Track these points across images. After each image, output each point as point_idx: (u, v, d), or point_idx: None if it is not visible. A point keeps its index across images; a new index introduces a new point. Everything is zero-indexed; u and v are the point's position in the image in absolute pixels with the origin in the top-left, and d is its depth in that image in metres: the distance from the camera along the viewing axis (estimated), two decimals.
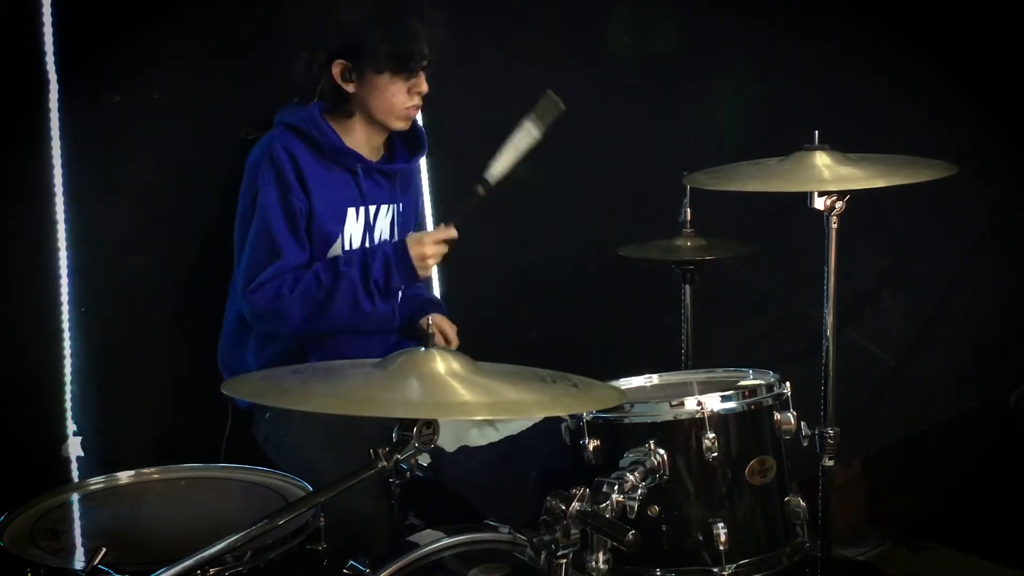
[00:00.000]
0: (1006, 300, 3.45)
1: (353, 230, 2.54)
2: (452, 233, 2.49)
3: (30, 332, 2.48)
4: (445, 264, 2.69)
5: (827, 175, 2.26)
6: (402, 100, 2.50)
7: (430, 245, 2.48)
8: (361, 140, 2.55)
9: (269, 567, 1.72)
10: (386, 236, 2.62)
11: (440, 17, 2.51)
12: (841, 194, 2.29)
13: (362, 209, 2.55)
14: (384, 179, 2.60)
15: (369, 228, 2.57)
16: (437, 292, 3.18)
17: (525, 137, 2.51)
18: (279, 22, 2.72)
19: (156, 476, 2.09)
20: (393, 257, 2.46)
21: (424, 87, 2.51)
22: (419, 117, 2.68)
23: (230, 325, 2.60)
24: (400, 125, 2.56)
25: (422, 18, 2.47)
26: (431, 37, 2.48)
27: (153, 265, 2.66)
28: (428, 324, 1.71)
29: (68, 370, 2.49)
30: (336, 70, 2.46)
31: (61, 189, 2.45)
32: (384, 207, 2.61)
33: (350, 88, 2.48)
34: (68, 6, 2.40)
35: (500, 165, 2.49)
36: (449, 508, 2.44)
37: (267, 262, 2.41)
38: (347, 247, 2.52)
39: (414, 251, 2.46)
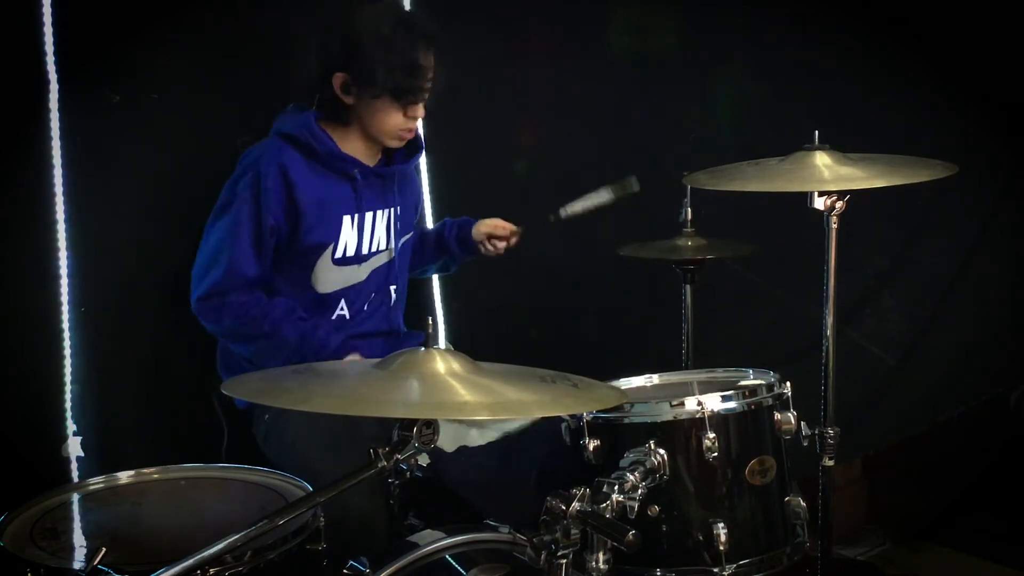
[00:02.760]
0: (1006, 300, 3.44)
1: (348, 237, 2.53)
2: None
3: (30, 332, 2.48)
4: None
5: (827, 175, 2.26)
6: (397, 123, 2.50)
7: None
8: (358, 148, 2.55)
9: (269, 567, 1.72)
10: (383, 241, 2.61)
11: (449, 49, 2.50)
12: (841, 194, 2.29)
13: (356, 216, 2.54)
14: (380, 182, 2.60)
15: (362, 235, 2.56)
16: (436, 292, 3.19)
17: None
18: (280, 22, 2.72)
19: (156, 476, 2.09)
20: (326, 353, 2.43)
21: (420, 113, 2.52)
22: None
23: None
24: (394, 144, 2.57)
25: (430, 49, 2.46)
26: (436, 69, 2.47)
27: (153, 265, 2.66)
28: (429, 324, 1.71)
29: (68, 370, 2.49)
30: (337, 82, 2.46)
31: (61, 189, 2.45)
32: (380, 212, 2.60)
33: (349, 100, 2.48)
34: (68, 6, 2.40)
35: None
36: (449, 508, 2.44)
37: (219, 268, 2.41)
38: (341, 255, 2.52)
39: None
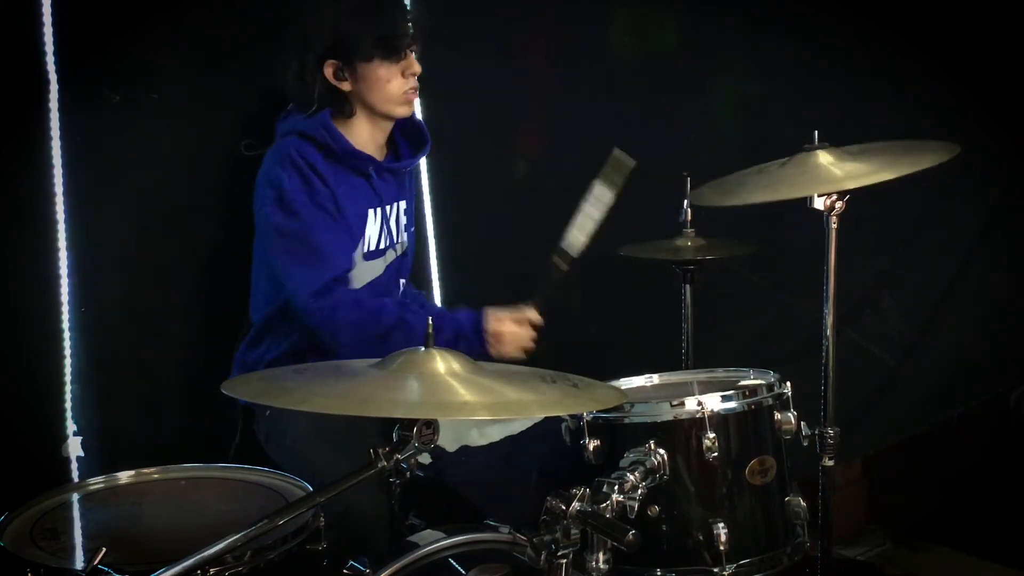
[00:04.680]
0: (1006, 300, 3.44)
1: (371, 231, 2.55)
2: (535, 316, 2.39)
3: (30, 332, 2.48)
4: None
5: (829, 176, 2.25)
6: (398, 84, 2.50)
7: (509, 324, 2.38)
8: (367, 139, 2.56)
9: (269, 567, 1.72)
10: (395, 234, 2.63)
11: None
12: (841, 194, 2.29)
13: (379, 210, 2.57)
14: (392, 177, 2.62)
15: (387, 228, 2.58)
16: (437, 293, 3.18)
17: (598, 204, 2.43)
18: (279, 22, 2.72)
19: (156, 476, 2.09)
20: (468, 328, 2.39)
21: (417, 67, 2.52)
22: (418, 112, 2.66)
23: (252, 329, 2.60)
24: (402, 111, 2.57)
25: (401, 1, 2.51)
26: (414, 17, 2.50)
27: (153, 265, 2.66)
28: (429, 323, 1.71)
29: (68, 370, 2.49)
30: (328, 71, 2.47)
31: (61, 189, 2.45)
32: (394, 206, 2.63)
33: (345, 87, 2.49)
34: (68, 6, 2.40)
35: (579, 237, 2.42)
36: (449, 508, 2.45)
37: (313, 268, 2.39)
38: (367, 249, 2.53)
39: (491, 326, 2.37)
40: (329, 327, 2.39)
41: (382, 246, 2.58)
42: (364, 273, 2.53)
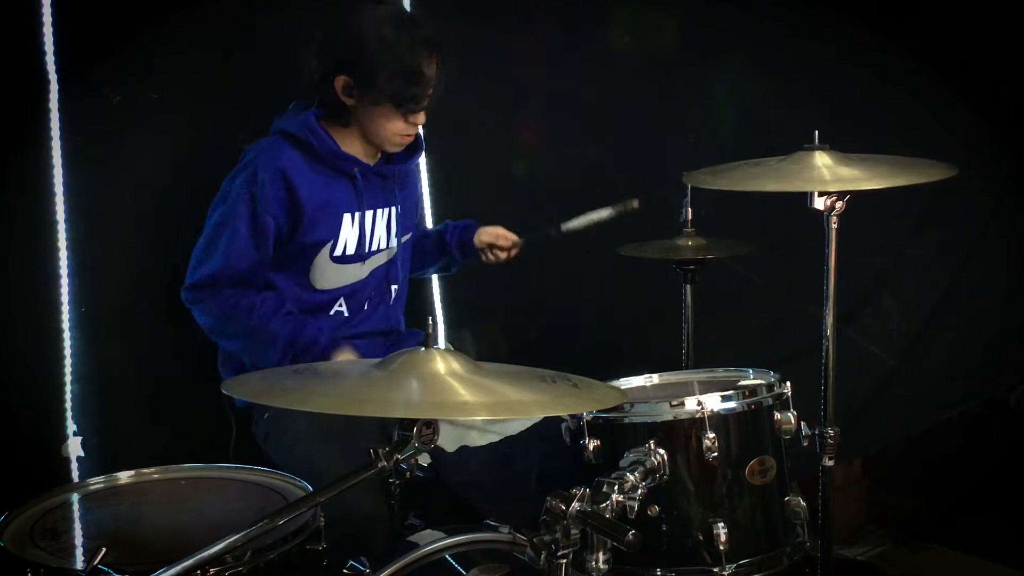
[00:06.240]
0: (1006, 300, 3.45)
1: (348, 235, 2.54)
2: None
3: (30, 332, 2.48)
4: None
5: (827, 175, 2.26)
6: (398, 128, 2.50)
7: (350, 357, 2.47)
8: (357, 147, 2.56)
9: (269, 567, 1.72)
10: (383, 240, 2.61)
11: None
12: (841, 194, 2.29)
13: (357, 215, 2.55)
14: (380, 181, 2.60)
15: (363, 234, 2.56)
16: (436, 294, 3.18)
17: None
18: (280, 22, 2.72)
19: (156, 476, 2.09)
20: (320, 346, 2.44)
21: (420, 119, 2.52)
22: None
23: None
24: (394, 149, 2.58)
25: (433, 56, 2.46)
26: (440, 76, 2.47)
27: (153, 265, 2.66)
28: (429, 324, 1.71)
29: (68, 370, 2.49)
30: (339, 84, 2.46)
31: (61, 189, 2.45)
32: (380, 211, 2.61)
33: (350, 103, 2.48)
34: (68, 6, 2.40)
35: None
36: (449, 508, 2.45)
37: (212, 261, 2.43)
38: (341, 252, 2.53)
39: (340, 354, 2.44)
40: (201, 318, 2.49)
41: (364, 250, 2.57)
42: (334, 276, 2.53)
